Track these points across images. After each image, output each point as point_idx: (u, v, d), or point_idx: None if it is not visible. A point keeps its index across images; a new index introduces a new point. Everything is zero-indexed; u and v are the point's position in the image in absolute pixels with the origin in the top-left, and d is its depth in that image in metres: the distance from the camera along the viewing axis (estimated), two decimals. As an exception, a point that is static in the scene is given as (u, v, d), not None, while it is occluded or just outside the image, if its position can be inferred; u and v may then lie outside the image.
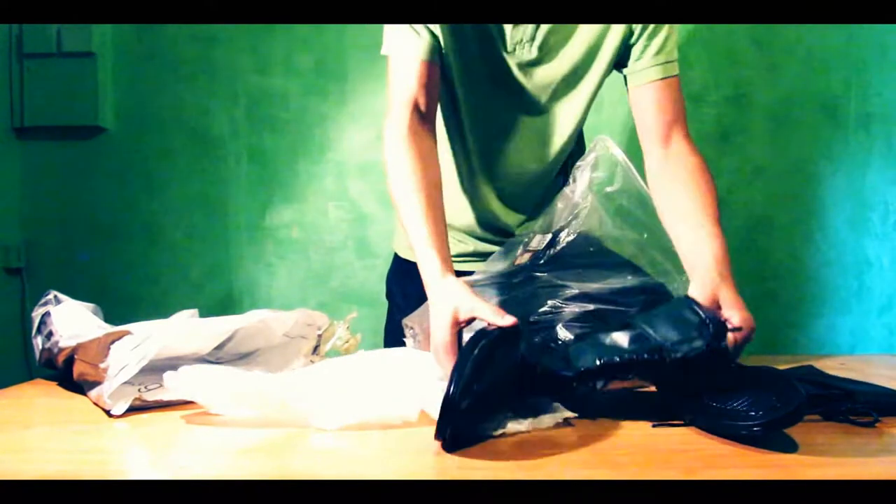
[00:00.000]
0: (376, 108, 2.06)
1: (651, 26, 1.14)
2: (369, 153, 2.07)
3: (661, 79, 1.11)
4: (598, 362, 0.73)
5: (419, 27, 1.07)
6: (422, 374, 0.80)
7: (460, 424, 0.64)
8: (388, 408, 0.74)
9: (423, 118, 1.04)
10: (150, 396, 0.80)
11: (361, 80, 2.07)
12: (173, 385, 0.75)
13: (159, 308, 1.09)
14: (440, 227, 0.92)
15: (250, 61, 2.08)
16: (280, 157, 2.09)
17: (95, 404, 0.82)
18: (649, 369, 0.73)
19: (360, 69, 2.06)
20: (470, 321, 0.79)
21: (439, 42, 1.07)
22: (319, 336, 1.02)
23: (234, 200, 2.10)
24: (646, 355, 0.72)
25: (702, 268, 0.90)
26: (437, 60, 1.07)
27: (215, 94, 2.09)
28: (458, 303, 0.79)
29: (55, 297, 1.02)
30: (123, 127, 2.10)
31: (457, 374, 0.65)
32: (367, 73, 2.06)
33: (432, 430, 0.66)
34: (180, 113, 2.09)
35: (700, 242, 0.95)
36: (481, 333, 0.72)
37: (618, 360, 0.73)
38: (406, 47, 1.06)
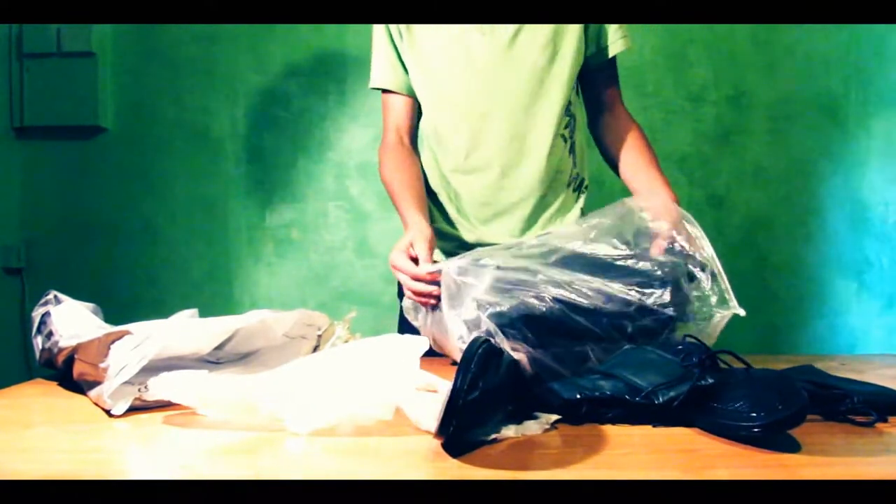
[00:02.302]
0: (376, 108, 2.05)
1: None
2: (369, 153, 2.07)
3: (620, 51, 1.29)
4: (577, 396, 0.76)
5: (392, 58, 1.32)
6: (397, 369, 0.78)
7: (463, 421, 0.64)
8: (361, 407, 0.73)
9: (401, 137, 1.34)
10: (150, 396, 0.80)
11: (361, 80, 2.07)
12: (156, 390, 0.75)
13: (159, 308, 1.09)
14: (415, 197, 1.22)
15: (250, 61, 2.08)
16: (280, 157, 2.09)
17: (95, 404, 0.82)
18: (634, 411, 0.74)
19: (359, 69, 2.06)
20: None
21: (406, 72, 1.32)
22: (319, 336, 1.02)
23: (234, 200, 2.10)
24: (627, 396, 0.75)
25: (663, 206, 1.09)
26: (410, 93, 1.33)
27: (215, 94, 2.09)
28: (412, 237, 1.09)
29: (55, 296, 1.02)
30: (123, 127, 2.10)
31: (463, 369, 0.65)
32: (366, 73, 2.04)
33: (422, 433, 0.66)
34: (180, 113, 2.09)
35: (654, 184, 1.21)
36: (479, 338, 0.73)
37: (597, 395, 0.76)
38: (385, 84, 1.34)
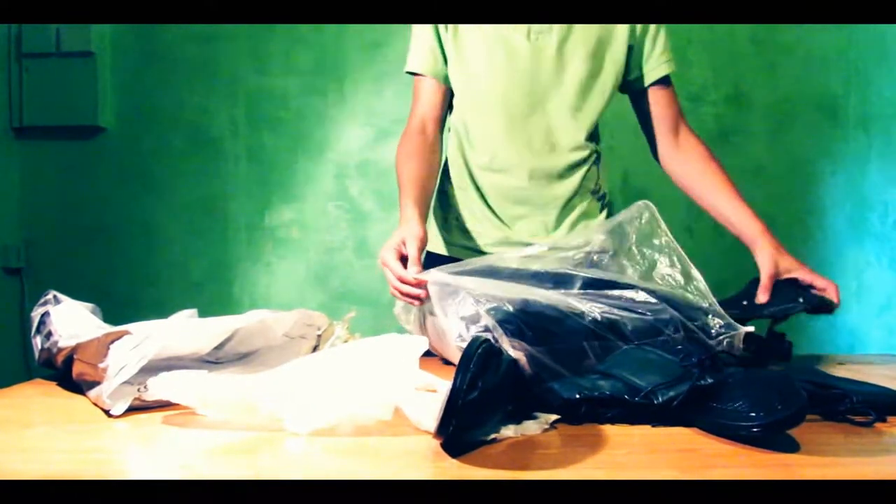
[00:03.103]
0: (376, 108, 2.06)
1: (651, 27, 1.27)
2: (369, 153, 2.07)
3: (668, 74, 1.29)
4: (577, 396, 0.76)
5: (433, 45, 1.28)
6: (396, 369, 0.78)
7: (463, 421, 0.64)
8: (361, 407, 0.73)
9: (425, 126, 1.31)
10: (150, 396, 0.80)
11: (361, 80, 2.07)
12: (156, 390, 0.75)
13: (159, 308, 1.09)
14: (418, 193, 1.20)
15: (250, 61, 2.08)
16: (280, 157, 2.09)
17: (95, 404, 0.82)
18: (633, 411, 0.74)
19: (359, 69, 2.06)
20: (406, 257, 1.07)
21: (444, 61, 1.30)
22: (319, 336, 1.02)
23: (234, 200, 2.10)
24: (626, 396, 0.75)
25: (760, 243, 1.19)
26: (445, 82, 1.30)
27: (215, 94, 2.09)
28: (404, 235, 1.10)
29: (54, 296, 1.02)
30: (123, 127, 2.10)
31: (463, 369, 0.65)
32: (366, 73, 2.07)
33: (422, 433, 0.66)
34: (180, 113, 2.09)
35: (742, 215, 1.24)
36: (479, 337, 0.73)
37: (597, 394, 0.76)
38: (422, 69, 1.30)
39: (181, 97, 2.09)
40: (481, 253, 1.30)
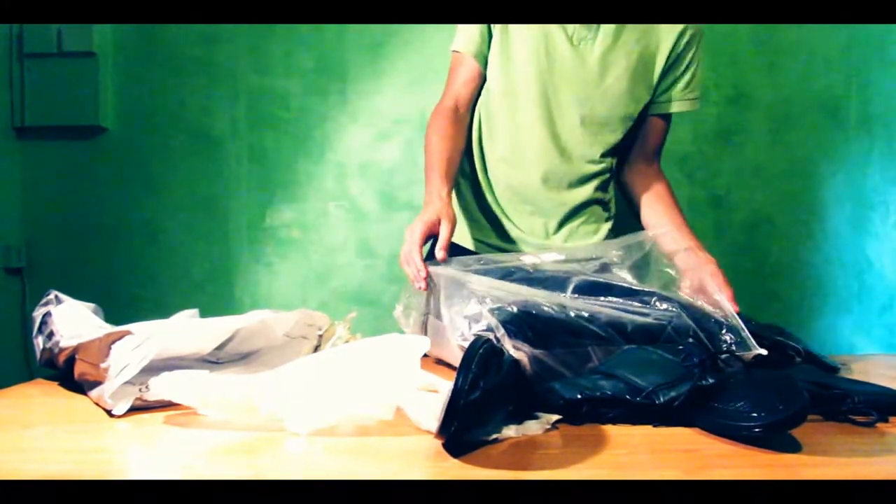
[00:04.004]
0: (377, 108, 2.06)
1: (689, 54, 1.27)
2: (370, 153, 2.07)
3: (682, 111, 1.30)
4: (578, 396, 0.76)
5: (483, 28, 1.27)
6: (397, 369, 0.78)
7: (465, 421, 0.64)
8: (361, 407, 0.73)
9: (458, 105, 1.29)
10: (151, 396, 0.80)
11: (361, 80, 2.07)
12: (157, 390, 0.75)
13: (160, 308, 1.09)
14: (450, 171, 1.19)
15: (250, 61, 2.08)
16: (280, 157, 2.09)
17: (96, 404, 0.82)
18: (635, 411, 0.74)
19: (360, 69, 2.06)
20: (430, 237, 1.07)
21: (488, 46, 1.29)
22: (320, 336, 1.02)
23: (235, 200, 2.10)
24: (627, 396, 0.75)
25: (696, 270, 1.12)
26: (482, 64, 1.30)
27: (215, 94, 2.09)
28: (440, 213, 1.08)
29: (56, 296, 1.02)
30: (124, 127, 2.10)
31: (464, 369, 0.65)
32: (367, 73, 2.06)
33: (423, 433, 0.66)
34: (180, 113, 2.09)
35: (690, 254, 1.19)
36: (480, 338, 0.73)
37: (598, 395, 0.76)
38: (466, 48, 1.29)
39: (182, 97, 2.09)
40: (481, 242, 1.31)
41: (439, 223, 1.08)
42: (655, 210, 1.30)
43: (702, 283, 1.05)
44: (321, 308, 1.22)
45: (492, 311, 0.88)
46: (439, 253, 1.05)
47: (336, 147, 2.08)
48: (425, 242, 1.08)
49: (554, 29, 1.22)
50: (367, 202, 2.08)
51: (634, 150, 1.34)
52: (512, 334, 0.85)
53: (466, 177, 1.35)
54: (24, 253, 2.09)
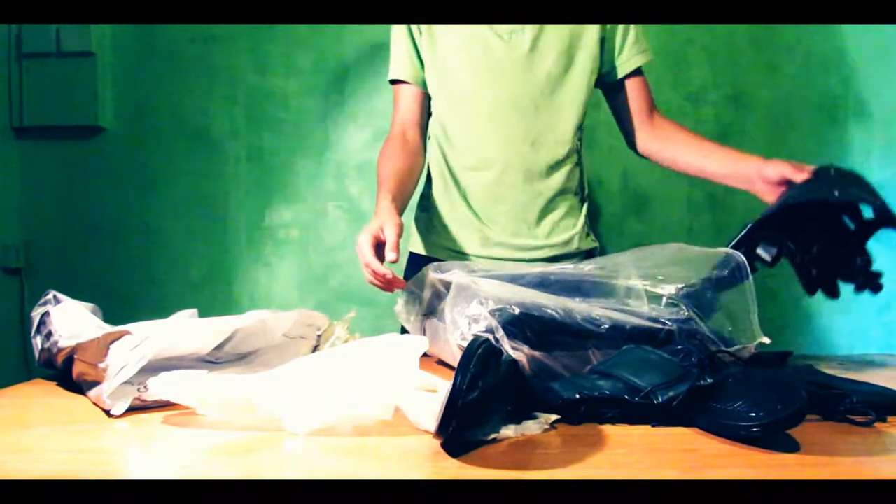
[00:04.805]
0: (376, 108, 2.06)
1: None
2: (368, 153, 2.07)
3: (642, 65, 1.31)
4: (577, 396, 0.76)
5: (410, 51, 1.31)
6: (396, 369, 0.78)
7: (463, 421, 0.64)
8: (360, 407, 0.73)
9: (405, 131, 1.34)
10: (150, 396, 0.80)
11: (361, 80, 2.07)
12: (156, 390, 0.75)
13: (159, 308, 1.09)
14: (396, 186, 1.21)
15: (250, 61, 2.08)
16: (280, 157, 2.09)
17: (95, 404, 0.82)
18: (633, 411, 0.75)
19: (359, 69, 2.06)
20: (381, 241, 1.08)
21: (422, 66, 1.32)
22: (319, 336, 1.02)
23: (234, 200, 2.10)
24: (626, 396, 0.75)
25: (765, 163, 1.18)
26: (424, 87, 1.33)
27: (215, 94, 2.09)
28: (383, 221, 1.10)
29: (54, 296, 1.02)
30: (123, 127, 2.10)
31: (463, 369, 0.65)
32: (366, 73, 2.07)
33: (422, 433, 0.66)
34: (180, 113, 2.09)
35: (736, 156, 1.29)
36: (479, 338, 0.73)
37: (597, 394, 0.76)
38: (401, 75, 1.33)
39: (181, 97, 2.09)
40: (464, 255, 1.31)
41: (382, 230, 1.08)
42: (689, 150, 1.30)
43: (781, 173, 1.13)
44: (320, 308, 1.22)
45: (492, 311, 0.88)
46: (390, 255, 1.05)
47: (335, 147, 2.08)
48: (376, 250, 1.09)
49: (483, 29, 1.24)
50: (366, 202, 2.08)
51: (631, 122, 1.35)
52: (512, 335, 0.85)
53: (438, 195, 1.36)
54: (22, 253, 2.09)
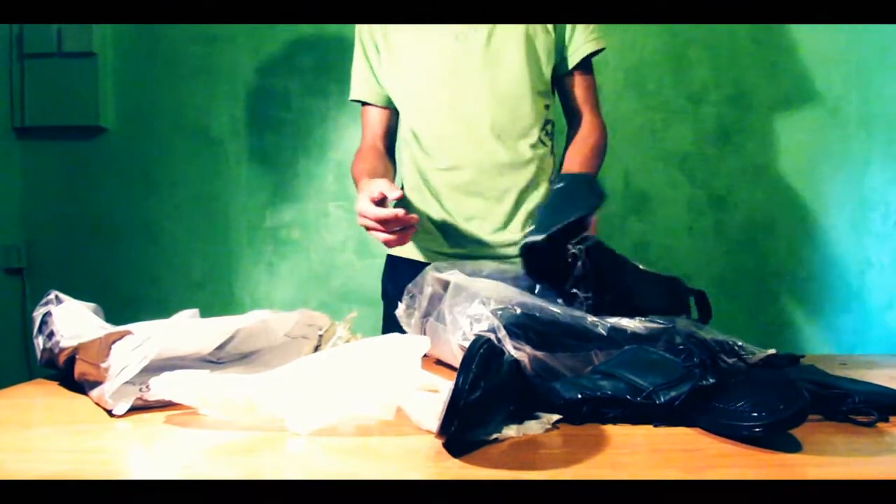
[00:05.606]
0: (377, 108, 2.06)
1: None
2: (370, 153, 2.07)
3: (595, 52, 1.31)
4: (579, 396, 0.76)
5: (366, 68, 1.36)
6: (398, 369, 0.78)
7: (465, 421, 0.64)
8: (362, 407, 0.73)
9: (374, 143, 1.39)
10: (152, 396, 0.80)
11: (362, 80, 2.06)
12: (157, 390, 0.75)
13: (160, 308, 1.09)
14: (371, 174, 1.24)
15: (251, 61, 2.08)
16: (281, 157, 2.09)
17: (97, 404, 0.82)
18: (635, 411, 0.74)
19: (360, 69, 2.06)
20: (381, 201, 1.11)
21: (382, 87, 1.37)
22: (320, 336, 1.02)
23: (235, 200, 2.10)
24: (628, 396, 0.75)
25: None
26: (385, 104, 1.38)
27: (215, 94, 2.09)
28: (367, 186, 1.14)
29: (56, 296, 1.02)
30: (123, 127, 2.10)
31: (465, 369, 0.65)
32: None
33: (424, 433, 0.66)
34: (180, 113, 2.09)
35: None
36: (481, 338, 0.73)
37: (599, 394, 0.76)
38: (361, 96, 1.39)
39: (182, 97, 2.09)
40: (442, 254, 1.32)
41: (372, 191, 1.11)
42: (567, 155, 1.32)
43: None
44: (321, 308, 1.22)
45: (494, 311, 0.88)
46: (392, 193, 1.10)
47: (336, 147, 2.08)
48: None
49: (438, 31, 1.26)
50: (368, 202, 2.08)
51: (567, 118, 1.38)
52: (514, 335, 0.85)
53: (411, 196, 1.37)
54: (24, 253, 2.09)
